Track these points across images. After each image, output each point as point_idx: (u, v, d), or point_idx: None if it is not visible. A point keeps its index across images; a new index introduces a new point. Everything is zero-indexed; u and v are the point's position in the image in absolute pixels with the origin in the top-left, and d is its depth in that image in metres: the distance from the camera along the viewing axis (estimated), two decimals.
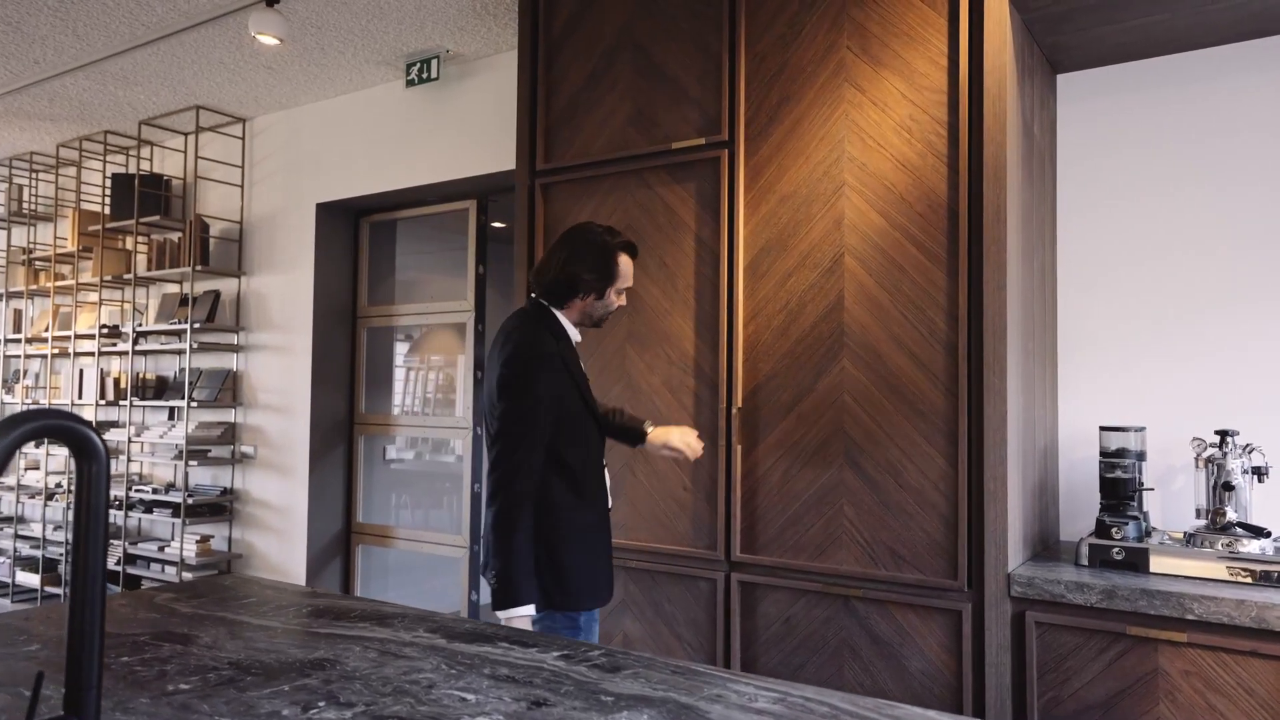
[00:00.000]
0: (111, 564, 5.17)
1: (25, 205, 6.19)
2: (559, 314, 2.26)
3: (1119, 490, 2.44)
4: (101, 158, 5.61)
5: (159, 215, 5.21)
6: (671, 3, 2.87)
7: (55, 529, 5.76)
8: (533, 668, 1.43)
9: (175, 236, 5.26)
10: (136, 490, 5.24)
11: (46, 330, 5.88)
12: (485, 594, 2.37)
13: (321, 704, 1.25)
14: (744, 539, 2.66)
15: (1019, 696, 2.27)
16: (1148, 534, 2.40)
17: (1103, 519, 2.41)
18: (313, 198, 4.86)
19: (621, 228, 2.92)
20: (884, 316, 2.47)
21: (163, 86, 4.68)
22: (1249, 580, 2.14)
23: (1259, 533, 2.24)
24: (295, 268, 4.92)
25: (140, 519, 5.39)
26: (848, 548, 2.49)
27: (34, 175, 6.16)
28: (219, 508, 5.09)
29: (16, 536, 5.90)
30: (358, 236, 5.05)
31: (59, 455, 5.96)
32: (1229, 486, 2.31)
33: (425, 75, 4.26)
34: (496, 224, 4.74)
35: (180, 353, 5.29)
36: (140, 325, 5.37)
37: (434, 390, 5.01)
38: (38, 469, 5.98)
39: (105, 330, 5.45)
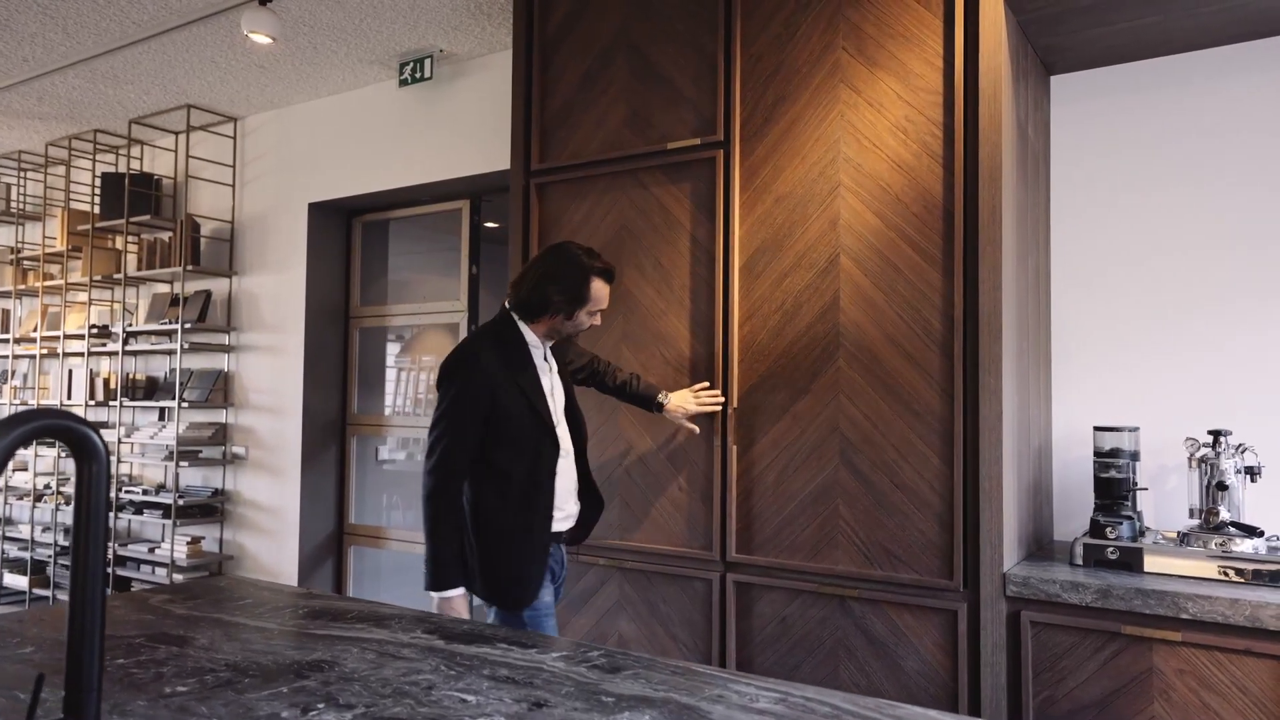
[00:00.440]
0: None
1: (14, 204, 6.15)
2: (526, 326, 2.31)
3: (1113, 490, 2.45)
4: (91, 157, 5.57)
5: (149, 215, 5.18)
6: (667, 3, 2.86)
7: (44, 530, 5.72)
8: (532, 668, 1.43)
9: (166, 236, 5.22)
10: (126, 491, 5.20)
11: (35, 330, 5.84)
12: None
13: (321, 706, 1.24)
14: (739, 539, 2.66)
15: (1014, 696, 2.28)
16: (1142, 534, 2.41)
17: (1097, 519, 2.42)
18: (305, 197, 4.84)
19: (617, 228, 2.92)
20: (879, 317, 2.47)
21: (153, 85, 4.65)
22: (1242, 579, 2.15)
23: (1252, 532, 2.26)
24: (287, 268, 4.90)
25: (130, 520, 5.35)
26: (843, 548, 2.49)
27: (22, 174, 6.11)
28: (210, 509, 5.06)
29: (4, 539, 5.85)
30: (350, 236, 5.03)
31: (47, 456, 5.92)
32: (1222, 486, 2.33)
33: (418, 75, 4.24)
34: (489, 224, 4.73)
35: (171, 353, 5.26)
36: (130, 325, 5.33)
37: (426, 391, 4.99)
38: (26, 470, 5.94)
39: (95, 330, 5.42)
